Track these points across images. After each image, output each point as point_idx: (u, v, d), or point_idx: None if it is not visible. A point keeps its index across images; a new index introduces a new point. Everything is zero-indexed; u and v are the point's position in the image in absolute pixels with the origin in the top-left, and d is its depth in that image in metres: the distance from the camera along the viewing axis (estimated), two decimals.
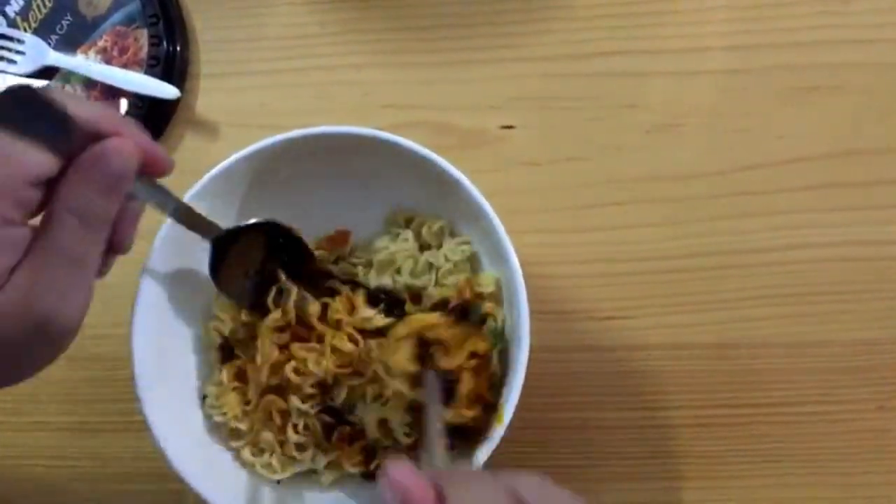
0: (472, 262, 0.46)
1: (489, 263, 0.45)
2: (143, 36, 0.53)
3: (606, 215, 0.49)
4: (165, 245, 0.42)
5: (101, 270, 0.37)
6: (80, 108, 0.32)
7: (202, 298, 0.46)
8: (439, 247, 0.46)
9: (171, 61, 0.53)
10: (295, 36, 0.54)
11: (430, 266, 0.46)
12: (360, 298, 0.44)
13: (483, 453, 0.39)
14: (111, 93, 0.53)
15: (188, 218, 0.40)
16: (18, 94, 0.31)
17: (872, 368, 0.46)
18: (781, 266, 0.47)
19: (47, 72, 0.54)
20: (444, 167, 0.42)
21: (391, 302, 0.45)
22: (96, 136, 0.32)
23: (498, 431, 0.39)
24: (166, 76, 0.52)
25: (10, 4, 0.55)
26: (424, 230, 0.46)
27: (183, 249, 0.43)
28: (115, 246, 0.36)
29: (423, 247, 0.47)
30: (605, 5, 0.51)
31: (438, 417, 0.39)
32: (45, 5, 0.54)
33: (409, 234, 0.46)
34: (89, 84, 0.53)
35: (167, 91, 0.52)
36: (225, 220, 0.46)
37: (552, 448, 0.47)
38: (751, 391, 0.46)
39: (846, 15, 0.49)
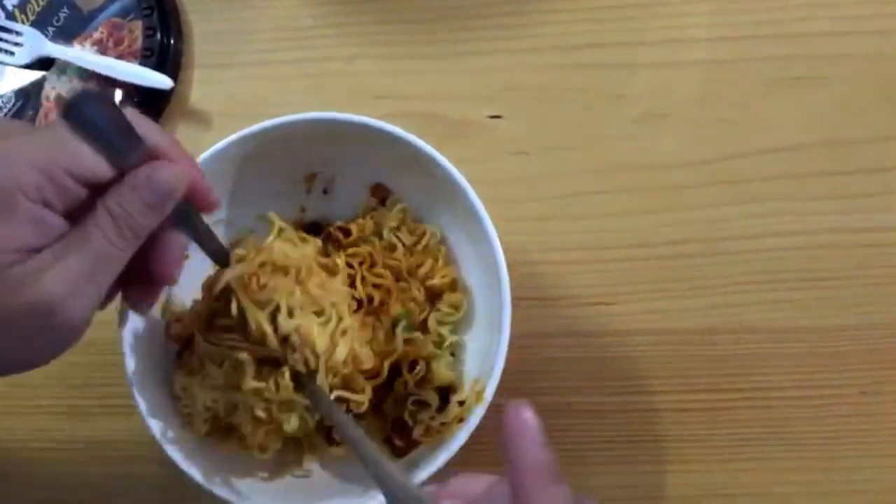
0: None
1: (471, 249, 0.45)
2: (138, 27, 0.54)
3: (593, 203, 0.50)
4: None
5: (145, 303, 0.38)
6: (148, 130, 0.34)
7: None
8: None
9: (166, 52, 0.54)
10: (288, 28, 0.55)
11: None
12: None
13: (462, 435, 0.40)
14: (106, 83, 0.54)
15: (223, 260, 0.40)
16: (97, 100, 0.32)
17: (855, 354, 0.46)
18: (765, 253, 0.48)
19: (44, 62, 0.55)
20: (427, 152, 0.43)
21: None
22: (155, 159, 0.34)
23: (478, 411, 0.40)
24: (160, 67, 0.53)
25: None
26: None
27: None
28: (158, 277, 0.37)
29: None
30: None
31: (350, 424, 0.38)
32: None
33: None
34: (85, 74, 0.54)
35: (161, 81, 0.52)
36: None
37: None
38: (734, 376, 0.47)
39: (830, 7, 0.50)
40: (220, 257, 0.40)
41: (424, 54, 0.53)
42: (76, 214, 0.32)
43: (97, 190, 0.33)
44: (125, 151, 0.32)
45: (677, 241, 0.49)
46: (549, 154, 0.51)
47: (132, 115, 0.33)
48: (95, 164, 0.32)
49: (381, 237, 0.47)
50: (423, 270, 0.46)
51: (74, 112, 0.31)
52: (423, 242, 0.46)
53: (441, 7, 0.53)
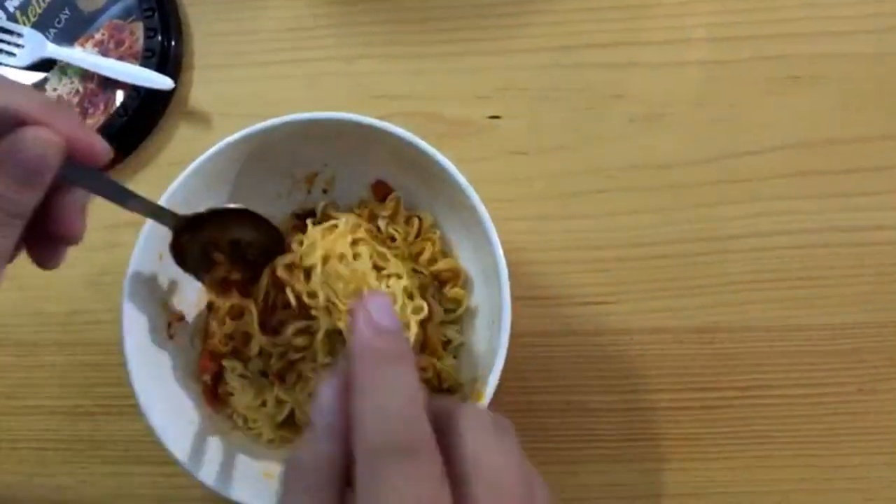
0: None
1: (471, 248, 0.45)
2: (139, 29, 0.54)
3: (591, 203, 0.50)
4: (155, 228, 0.43)
5: (53, 262, 0.35)
6: (9, 96, 0.30)
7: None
8: None
9: (166, 53, 0.54)
10: (288, 28, 0.55)
11: None
12: None
13: None
14: (107, 84, 0.54)
15: (143, 207, 0.38)
16: None
17: (852, 352, 0.47)
18: (762, 252, 0.48)
19: (45, 64, 0.55)
20: (428, 152, 0.43)
21: None
22: (20, 124, 0.30)
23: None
24: (161, 68, 0.54)
25: None
26: None
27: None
28: (63, 237, 0.34)
29: None
30: None
31: None
32: (43, 0, 0.56)
33: None
34: (86, 76, 0.54)
35: (162, 82, 0.53)
36: (217, 203, 0.47)
37: (535, 430, 0.48)
38: (732, 374, 0.47)
39: (827, 6, 0.50)
40: (134, 204, 0.37)
41: (423, 54, 0.54)
42: None
43: None
44: None
45: (675, 240, 0.49)
46: (548, 154, 0.51)
47: None
48: None
49: (378, 230, 0.47)
50: (425, 257, 0.46)
51: None
52: (416, 228, 0.47)
53: (440, 7, 0.54)
